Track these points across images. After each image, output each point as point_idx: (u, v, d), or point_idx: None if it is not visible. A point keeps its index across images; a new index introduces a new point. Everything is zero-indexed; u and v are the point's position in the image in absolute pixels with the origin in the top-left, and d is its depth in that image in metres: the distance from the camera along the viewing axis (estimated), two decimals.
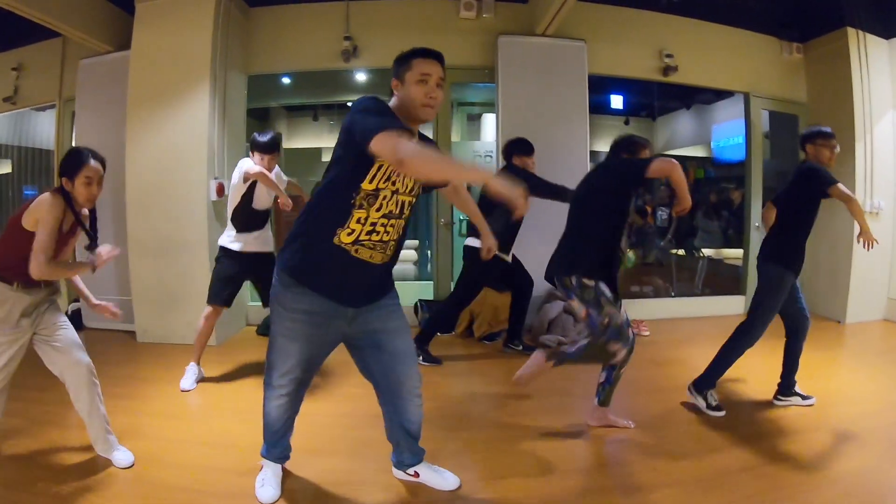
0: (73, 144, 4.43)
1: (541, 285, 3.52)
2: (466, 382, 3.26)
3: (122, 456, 2.08)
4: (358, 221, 1.60)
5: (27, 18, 3.63)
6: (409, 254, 6.21)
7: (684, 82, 4.85)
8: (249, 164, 2.92)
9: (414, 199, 1.71)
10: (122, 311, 2.28)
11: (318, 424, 2.44)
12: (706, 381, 2.69)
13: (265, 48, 4.40)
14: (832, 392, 2.94)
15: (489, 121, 5.93)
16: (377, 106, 1.53)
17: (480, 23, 4.38)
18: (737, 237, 5.52)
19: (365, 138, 1.41)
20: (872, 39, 4.60)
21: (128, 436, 2.24)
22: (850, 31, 4.54)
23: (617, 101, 6.44)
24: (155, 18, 3.86)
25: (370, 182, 1.57)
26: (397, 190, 1.63)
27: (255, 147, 2.94)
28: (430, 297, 4.58)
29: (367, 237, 1.63)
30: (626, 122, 6.74)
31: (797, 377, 2.77)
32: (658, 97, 6.32)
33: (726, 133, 6.23)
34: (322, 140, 6.46)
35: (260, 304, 3.73)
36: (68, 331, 2.07)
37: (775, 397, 2.79)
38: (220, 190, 3.86)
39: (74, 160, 1.96)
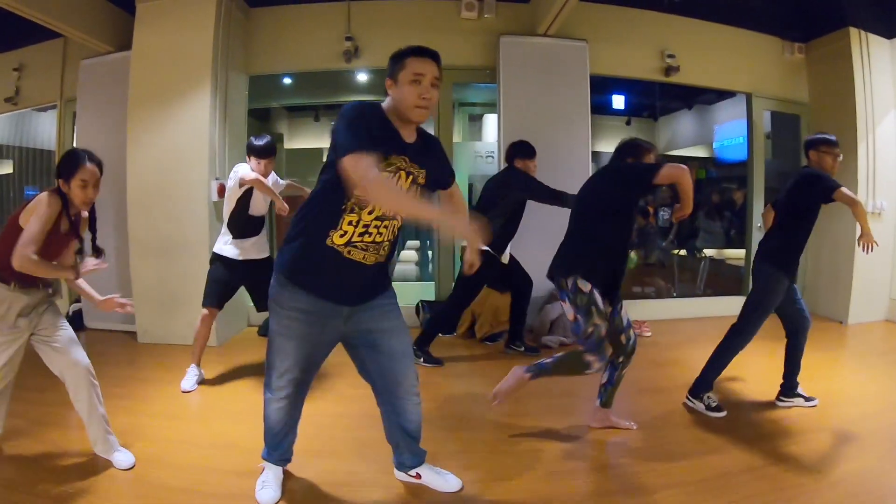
0: (75, 145, 4.44)
1: (541, 286, 3.52)
2: (468, 383, 3.25)
3: (122, 457, 2.08)
4: (350, 224, 1.60)
5: (28, 19, 3.63)
6: (410, 254, 6.21)
7: (686, 82, 4.85)
8: (245, 170, 2.88)
9: None
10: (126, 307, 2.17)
11: (318, 425, 2.43)
12: (701, 385, 2.69)
13: (266, 48, 4.39)
14: (834, 393, 2.94)
15: (491, 121, 5.92)
16: (357, 119, 1.52)
17: (482, 23, 4.38)
18: (738, 237, 5.52)
19: (338, 154, 1.48)
20: (875, 39, 4.60)
21: (128, 436, 2.24)
22: (853, 31, 4.53)
23: (619, 102, 6.41)
24: (156, 19, 3.86)
25: None
26: None
27: (251, 151, 2.91)
28: (432, 297, 4.57)
29: (360, 239, 1.62)
30: (628, 123, 6.71)
31: (799, 378, 2.76)
32: (660, 97, 6.32)
33: (728, 133, 6.21)
34: (323, 141, 6.43)
35: None
36: (67, 332, 2.07)
37: (778, 398, 2.78)
38: (222, 190, 3.84)
39: (70, 162, 1.95)
